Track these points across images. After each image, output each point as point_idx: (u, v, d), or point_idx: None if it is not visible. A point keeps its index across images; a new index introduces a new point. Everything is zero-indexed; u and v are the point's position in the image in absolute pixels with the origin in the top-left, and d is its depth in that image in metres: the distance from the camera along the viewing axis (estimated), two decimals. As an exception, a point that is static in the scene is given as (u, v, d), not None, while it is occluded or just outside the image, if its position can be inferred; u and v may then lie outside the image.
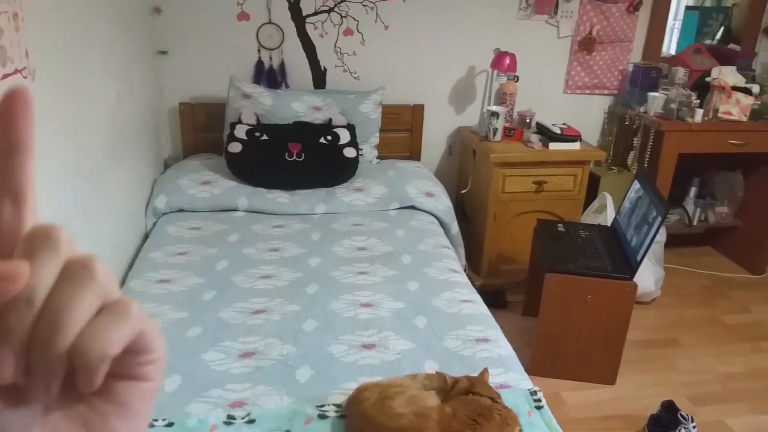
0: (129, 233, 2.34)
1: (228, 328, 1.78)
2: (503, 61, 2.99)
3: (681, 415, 2.16)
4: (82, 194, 1.84)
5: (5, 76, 1.40)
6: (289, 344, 1.72)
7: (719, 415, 2.34)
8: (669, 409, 2.20)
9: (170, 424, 1.39)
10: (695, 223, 3.49)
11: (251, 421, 1.41)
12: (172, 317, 1.83)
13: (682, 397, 2.40)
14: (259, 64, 2.99)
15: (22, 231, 0.27)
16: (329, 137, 2.73)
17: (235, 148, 2.64)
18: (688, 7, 3.93)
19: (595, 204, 2.98)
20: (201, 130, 3.00)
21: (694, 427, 2.15)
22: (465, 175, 3.19)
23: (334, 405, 1.48)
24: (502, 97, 3.10)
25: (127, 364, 0.29)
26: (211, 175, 2.67)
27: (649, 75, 3.15)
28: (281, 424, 1.41)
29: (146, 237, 2.43)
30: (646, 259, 2.33)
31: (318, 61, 3.04)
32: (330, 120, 2.82)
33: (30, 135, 0.27)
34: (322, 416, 1.45)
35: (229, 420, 1.41)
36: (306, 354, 1.68)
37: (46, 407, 0.28)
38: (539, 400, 1.56)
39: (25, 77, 1.51)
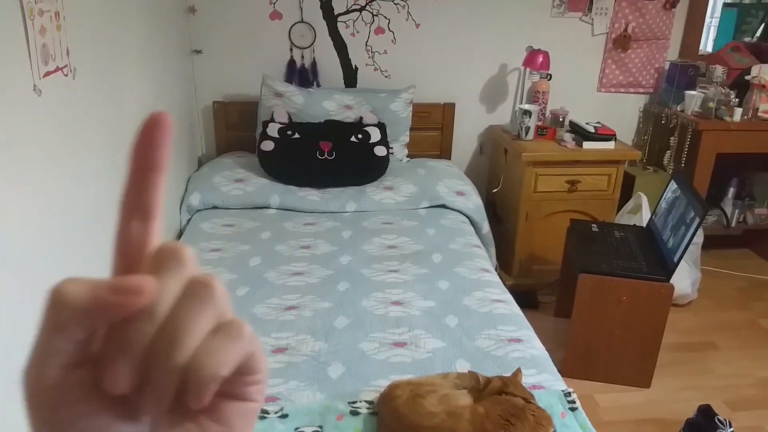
0: (164, 229, 2.37)
1: (261, 324, 1.79)
2: (536, 59, 2.96)
3: (718, 419, 2.11)
4: (117, 190, 1.87)
5: (47, 73, 1.43)
6: (321, 341, 1.72)
7: (758, 421, 2.28)
8: (706, 413, 2.15)
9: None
10: (733, 224, 3.41)
11: (284, 416, 1.42)
12: (206, 312, 1.85)
13: (719, 402, 2.34)
14: (291, 62, 3.01)
15: (148, 246, 0.28)
16: (360, 136, 2.73)
17: (268, 146, 2.67)
18: (726, 4, 3.85)
19: (630, 204, 2.93)
20: (234, 129, 3.03)
21: (732, 432, 2.10)
22: (496, 174, 3.16)
23: (366, 401, 1.48)
24: (534, 96, 3.06)
25: (235, 384, 0.29)
26: (243, 172, 2.70)
27: (686, 73, 3.09)
28: (313, 420, 1.42)
29: (181, 233, 2.47)
30: (682, 261, 2.29)
31: (349, 59, 3.05)
32: (361, 118, 2.82)
33: (166, 156, 0.29)
34: (354, 412, 1.45)
35: (263, 414, 1.42)
36: (337, 351, 1.68)
37: (154, 422, 0.28)
38: (573, 402, 1.54)
39: (66, 75, 1.54)
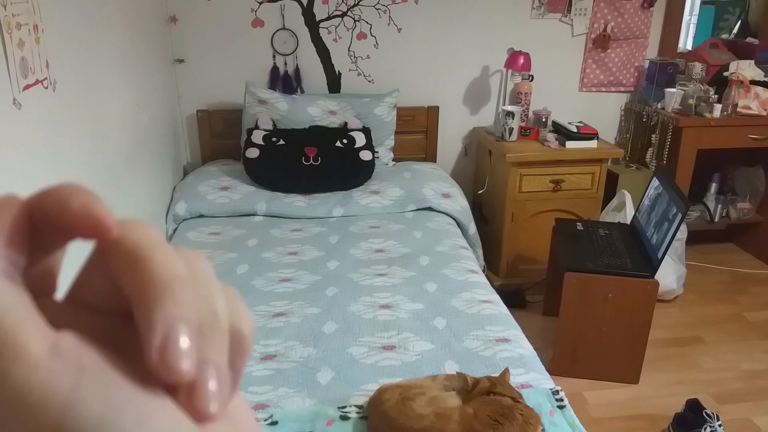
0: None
1: (249, 332, 1.79)
2: (517, 61, 2.98)
3: (706, 413, 2.13)
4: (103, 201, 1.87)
5: (27, 87, 1.43)
6: (309, 346, 1.73)
7: (745, 413, 2.31)
8: (694, 407, 2.18)
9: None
10: (716, 219, 3.45)
11: (274, 423, 1.42)
12: (194, 322, 1.84)
13: (706, 396, 2.37)
14: (275, 69, 3.01)
15: None
16: (345, 140, 2.74)
17: (253, 153, 2.67)
18: (703, 2, 3.90)
19: (614, 202, 2.96)
20: (218, 137, 3.03)
21: (720, 425, 2.13)
22: (481, 176, 3.18)
23: (356, 406, 1.49)
24: (517, 97, 3.09)
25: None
26: (229, 180, 2.70)
27: (665, 71, 3.13)
28: (303, 426, 1.42)
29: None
30: (667, 257, 2.31)
31: (332, 65, 3.06)
32: (345, 123, 2.83)
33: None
34: (344, 417, 1.45)
35: (252, 422, 1.42)
36: (326, 356, 1.69)
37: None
38: (561, 400, 1.55)
39: (46, 88, 1.54)
